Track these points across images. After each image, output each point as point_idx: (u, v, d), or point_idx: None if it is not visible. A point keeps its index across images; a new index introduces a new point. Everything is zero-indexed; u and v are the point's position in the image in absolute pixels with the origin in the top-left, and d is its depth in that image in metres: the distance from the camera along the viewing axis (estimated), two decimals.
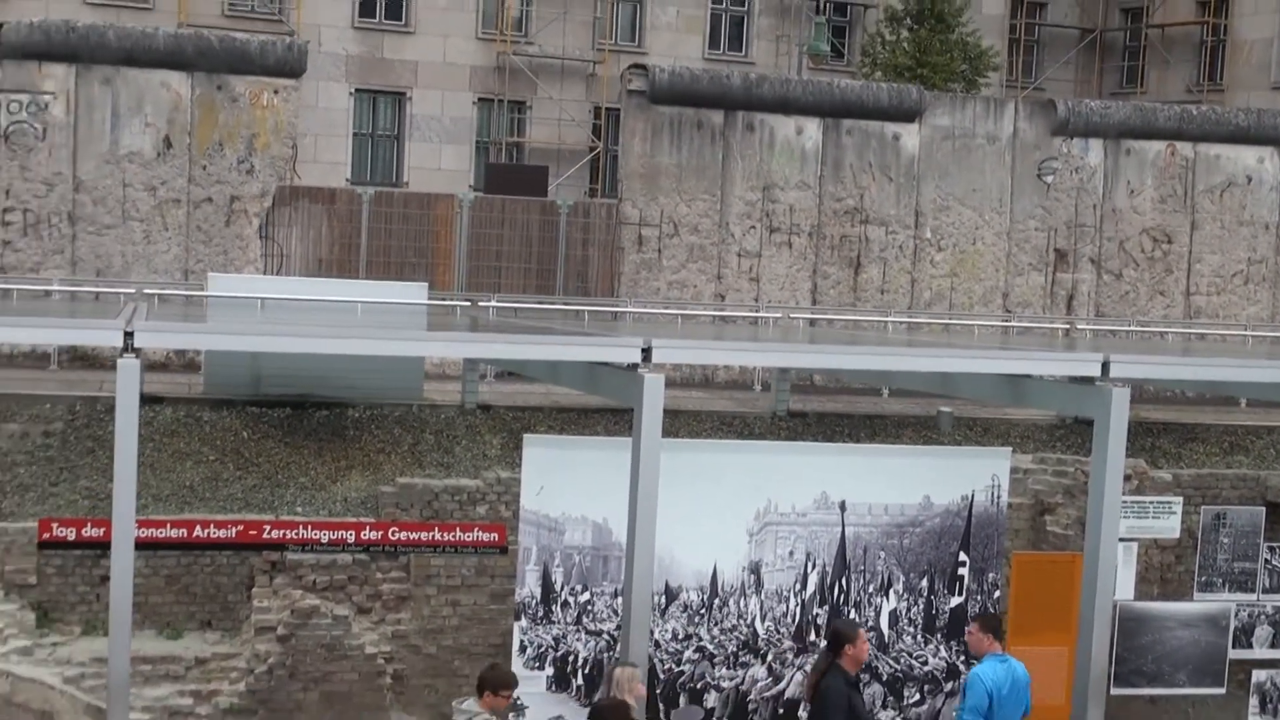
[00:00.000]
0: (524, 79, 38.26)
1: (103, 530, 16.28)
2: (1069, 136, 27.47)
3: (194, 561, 17.40)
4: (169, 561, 17.30)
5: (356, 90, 37.36)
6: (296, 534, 17.05)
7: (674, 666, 13.99)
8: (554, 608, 14.15)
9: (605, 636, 14.17)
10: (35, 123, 23.15)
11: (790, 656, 14.48)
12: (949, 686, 14.81)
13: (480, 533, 17.28)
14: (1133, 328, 26.57)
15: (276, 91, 23.99)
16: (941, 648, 14.81)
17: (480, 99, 38.38)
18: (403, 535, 17.19)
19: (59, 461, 18.40)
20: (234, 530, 17.06)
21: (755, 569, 14.32)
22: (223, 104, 23.71)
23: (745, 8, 41.21)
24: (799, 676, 14.44)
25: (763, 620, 14.41)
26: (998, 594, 14.94)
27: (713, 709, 14.03)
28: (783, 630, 14.45)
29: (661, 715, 13.61)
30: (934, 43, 37.20)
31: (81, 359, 22.31)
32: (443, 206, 25.30)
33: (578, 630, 14.20)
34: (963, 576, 14.80)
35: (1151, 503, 16.84)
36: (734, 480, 14.23)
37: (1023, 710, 12.92)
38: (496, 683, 11.72)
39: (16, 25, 23.45)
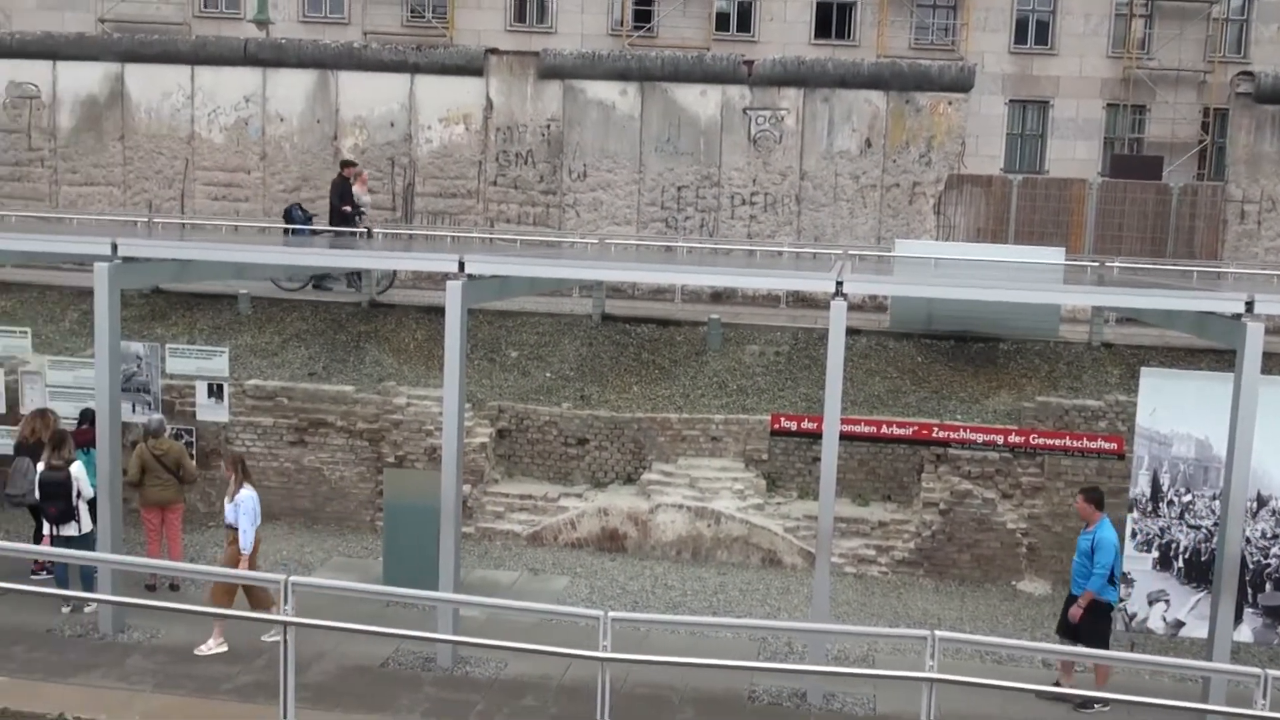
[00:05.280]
0: (1144, 87, 35.84)
1: (815, 424, 16.72)
2: None
3: (879, 450, 17.54)
4: (861, 449, 17.52)
5: (1010, 100, 36.27)
6: (957, 435, 16.85)
7: (1262, 559, 12.81)
8: (1161, 504, 13.28)
9: (1203, 530, 13.17)
10: (774, 131, 23.88)
11: None
12: None
13: (1102, 442, 16.47)
14: None
15: (950, 103, 23.61)
16: None
17: (1108, 104, 36.33)
18: (1040, 440, 16.63)
19: (785, 373, 18.98)
20: (910, 429, 17.07)
21: None
22: (909, 113, 23.59)
23: None
24: None
25: None
26: None
27: None
28: None
29: (1250, 597, 12.50)
30: None
31: (801, 301, 22.92)
32: (1076, 189, 24.12)
33: (1180, 524, 13.29)
34: None
35: None
36: None
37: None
38: None
39: (764, 60, 24.24)
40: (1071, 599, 13.00)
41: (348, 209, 21.60)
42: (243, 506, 13.28)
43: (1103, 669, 12.83)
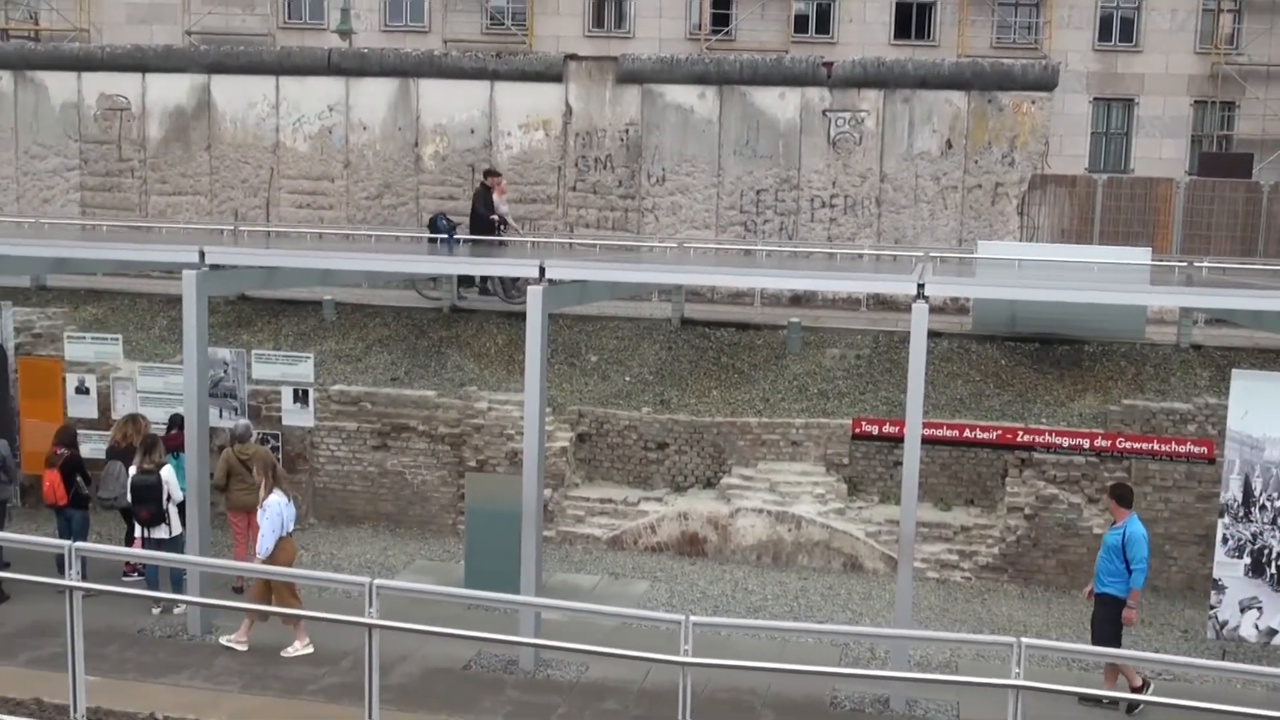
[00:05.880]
0: (1233, 83, 35.13)
1: (897, 428, 16.61)
2: None
3: (961, 454, 17.34)
4: (943, 453, 17.34)
5: (1094, 99, 35.77)
6: (1042, 439, 16.64)
7: None
8: (1253, 509, 13.01)
9: None
10: (854, 133, 23.73)
11: None
12: None
13: (1192, 446, 16.15)
14: None
15: (1034, 102, 23.30)
16: None
17: (1195, 101, 35.69)
18: (1127, 444, 16.36)
19: (866, 377, 18.84)
20: (994, 433, 16.88)
21: None
22: (991, 113, 23.31)
23: None
24: None
25: None
26: None
27: None
28: None
29: None
30: None
31: (882, 303, 22.74)
32: (1162, 188, 23.68)
33: (1273, 529, 12.99)
34: None
35: None
36: None
37: None
38: None
39: (843, 63, 24.10)
40: (1097, 599, 12.79)
41: (494, 218, 21.57)
42: (268, 511, 13.23)
43: (1123, 669, 12.65)
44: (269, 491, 13.36)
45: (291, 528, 13.47)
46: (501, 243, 21.36)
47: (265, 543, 13.17)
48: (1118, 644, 12.57)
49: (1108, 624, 12.58)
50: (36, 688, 11.56)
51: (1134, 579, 12.47)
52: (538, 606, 12.36)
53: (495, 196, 21.91)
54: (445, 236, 21.36)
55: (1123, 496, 12.88)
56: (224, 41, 33.25)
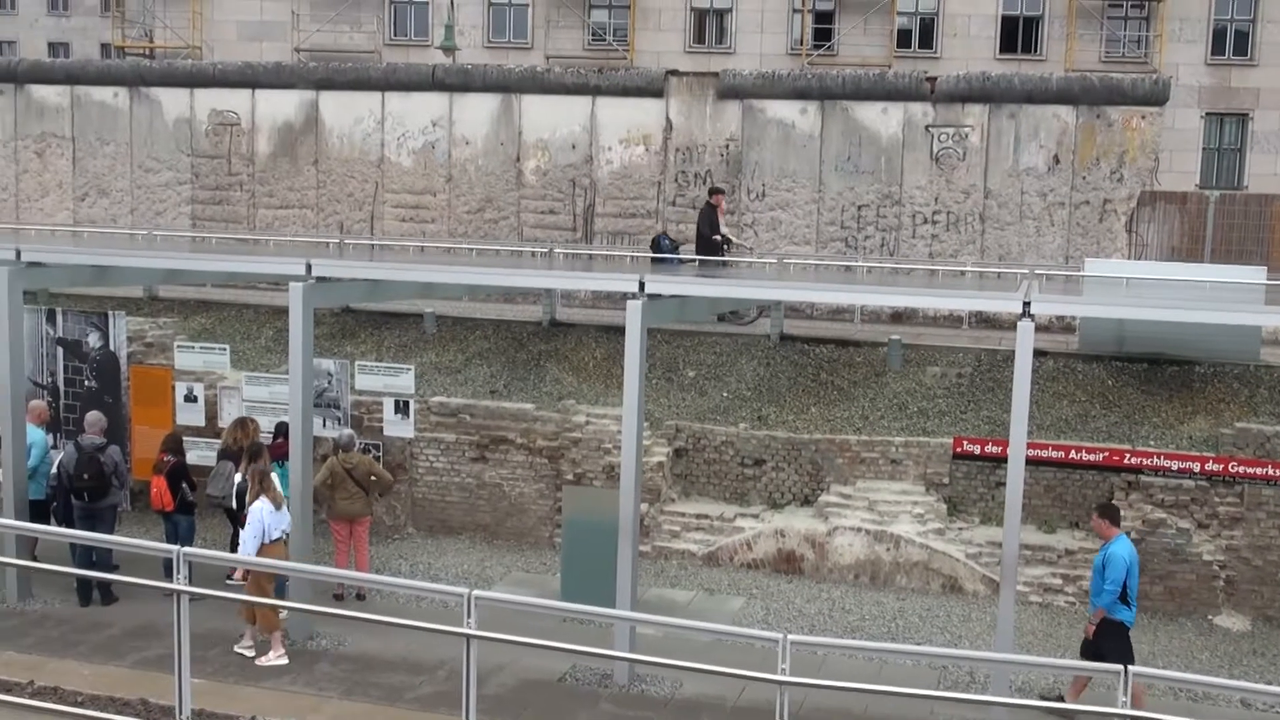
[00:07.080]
0: None
1: (1000, 448, 16.34)
2: None
3: (1066, 476, 16.99)
4: (1047, 474, 17.01)
5: (1206, 114, 35.00)
6: (1150, 461, 16.28)
7: None
8: None
9: None
10: (958, 148, 23.48)
11: None
12: None
13: None
14: None
15: (1144, 117, 22.86)
16: None
17: None
18: (1239, 469, 15.92)
19: (967, 396, 18.57)
20: (1100, 455, 16.55)
21: None
22: (1100, 129, 22.91)
23: None
24: None
25: None
26: None
27: None
28: None
29: None
30: None
31: (985, 321, 22.44)
32: (1278, 205, 23.08)
33: None
34: None
35: None
36: None
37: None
38: None
39: (947, 77, 23.87)
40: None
41: (717, 238, 21.17)
42: (251, 516, 13.35)
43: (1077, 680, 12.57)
44: (254, 499, 13.44)
45: (277, 535, 13.49)
46: (724, 263, 20.96)
47: (246, 548, 13.29)
48: (1130, 660, 12.28)
49: (1107, 642, 12.35)
50: (143, 688, 11.80)
51: (1100, 597, 12.36)
52: (633, 621, 12.35)
53: (718, 216, 21.44)
54: (669, 256, 21.03)
55: (1111, 515, 12.72)
56: (332, 58, 33.92)
